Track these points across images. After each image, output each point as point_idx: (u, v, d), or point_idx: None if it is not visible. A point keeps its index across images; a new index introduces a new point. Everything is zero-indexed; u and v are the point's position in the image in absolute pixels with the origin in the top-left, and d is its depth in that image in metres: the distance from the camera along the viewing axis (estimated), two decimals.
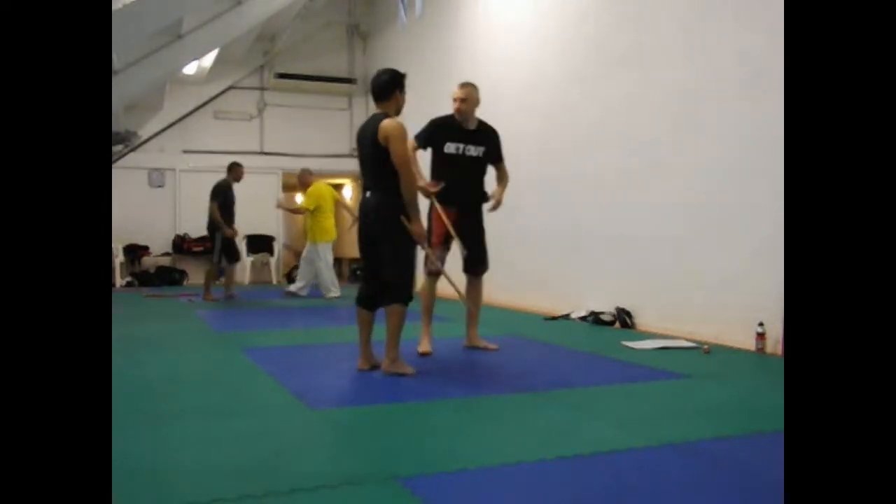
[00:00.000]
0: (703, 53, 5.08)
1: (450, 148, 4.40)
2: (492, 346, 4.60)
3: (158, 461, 2.33)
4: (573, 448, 2.49)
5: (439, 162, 4.43)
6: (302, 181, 8.56)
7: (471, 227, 4.47)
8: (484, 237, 4.58)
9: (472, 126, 4.46)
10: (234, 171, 8.14)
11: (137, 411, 2.99)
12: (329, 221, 8.47)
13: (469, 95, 4.43)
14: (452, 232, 4.33)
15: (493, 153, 4.57)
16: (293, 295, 8.48)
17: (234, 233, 8.01)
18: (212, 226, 8.02)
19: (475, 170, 4.49)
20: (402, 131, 3.67)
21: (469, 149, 4.42)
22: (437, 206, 4.34)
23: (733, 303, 4.75)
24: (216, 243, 7.99)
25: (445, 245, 4.40)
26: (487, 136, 4.51)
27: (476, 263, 4.52)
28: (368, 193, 3.80)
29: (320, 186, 8.49)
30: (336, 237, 8.63)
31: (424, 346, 4.39)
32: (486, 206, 4.56)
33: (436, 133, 4.42)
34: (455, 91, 4.45)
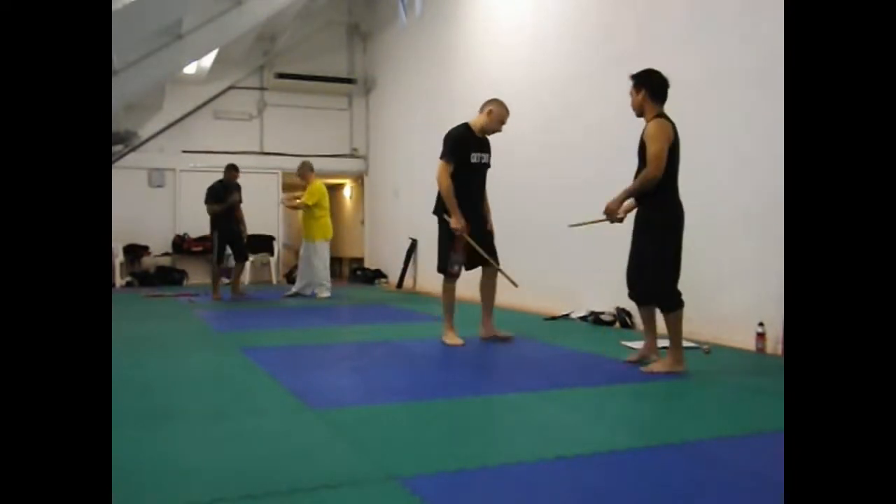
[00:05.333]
0: (705, 52, 5.08)
1: (474, 158, 4.71)
2: (509, 334, 4.94)
3: (158, 461, 2.33)
4: (573, 448, 2.48)
5: (464, 170, 4.65)
6: (302, 175, 8.55)
7: (485, 231, 4.83)
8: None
9: (481, 136, 4.78)
10: (227, 172, 8.38)
11: (138, 411, 2.99)
12: (326, 220, 8.50)
13: None
14: (480, 251, 4.74)
15: (489, 163, 4.93)
16: (296, 295, 8.50)
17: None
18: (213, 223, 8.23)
19: (485, 176, 4.85)
20: None
21: (483, 157, 4.77)
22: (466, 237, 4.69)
23: (733, 303, 4.75)
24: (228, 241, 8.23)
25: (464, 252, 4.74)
26: (489, 145, 4.86)
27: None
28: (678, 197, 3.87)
29: (320, 184, 8.51)
30: (332, 236, 8.65)
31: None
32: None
33: (462, 146, 4.68)
34: (506, 115, 4.81)
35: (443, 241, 4.75)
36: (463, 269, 4.76)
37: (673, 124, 3.80)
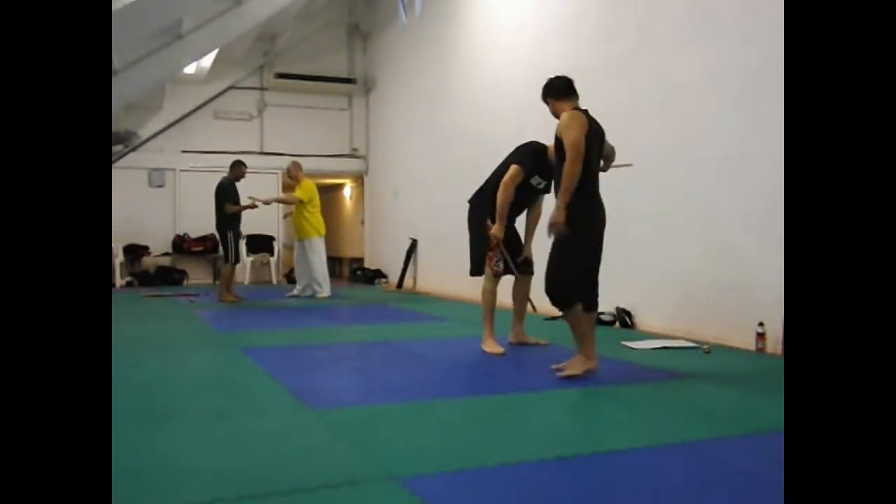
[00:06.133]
0: (705, 52, 5.08)
1: (535, 180, 4.53)
2: (542, 341, 4.82)
3: (158, 461, 2.33)
4: (573, 448, 2.49)
5: (520, 185, 4.48)
6: (294, 175, 8.63)
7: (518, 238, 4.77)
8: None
9: (550, 163, 4.62)
10: (235, 169, 8.21)
11: (138, 411, 2.99)
12: (318, 216, 8.54)
13: None
14: (510, 262, 4.63)
15: (548, 188, 4.74)
16: (296, 297, 8.53)
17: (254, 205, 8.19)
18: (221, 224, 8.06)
19: (537, 200, 4.75)
20: None
21: (542, 182, 4.59)
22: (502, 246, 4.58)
23: (733, 303, 4.75)
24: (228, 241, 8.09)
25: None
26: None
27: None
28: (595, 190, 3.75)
29: (311, 182, 8.59)
30: (325, 233, 8.68)
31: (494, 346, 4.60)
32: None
33: (535, 164, 4.49)
34: None
35: (478, 243, 4.62)
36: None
37: (591, 118, 3.71)
